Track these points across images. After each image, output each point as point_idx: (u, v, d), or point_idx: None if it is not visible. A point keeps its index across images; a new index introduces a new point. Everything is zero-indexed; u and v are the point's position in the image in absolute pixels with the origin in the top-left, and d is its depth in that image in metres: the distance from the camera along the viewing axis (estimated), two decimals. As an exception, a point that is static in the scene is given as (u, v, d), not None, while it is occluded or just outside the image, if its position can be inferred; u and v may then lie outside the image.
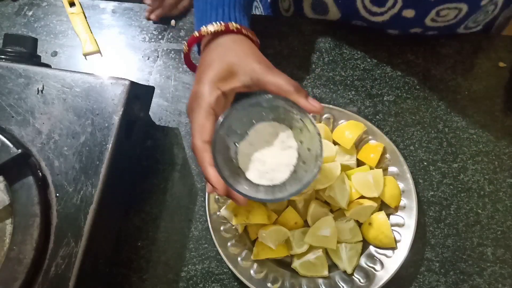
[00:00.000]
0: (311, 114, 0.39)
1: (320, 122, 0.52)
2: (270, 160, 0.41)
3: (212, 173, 0.36)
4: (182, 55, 0.46)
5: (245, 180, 0.40)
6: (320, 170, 0.37)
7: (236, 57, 0.40)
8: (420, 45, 0.58)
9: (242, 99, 0.38)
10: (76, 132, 0.43)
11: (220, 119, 0.38)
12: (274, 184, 0.40)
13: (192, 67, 0.48)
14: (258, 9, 0.75)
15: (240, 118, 0.40)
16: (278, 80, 0.38)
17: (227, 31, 0.42)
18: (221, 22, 0.42)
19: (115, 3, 0.62)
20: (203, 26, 0.43)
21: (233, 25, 0.42)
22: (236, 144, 0.41)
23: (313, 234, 0.46)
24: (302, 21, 0.60)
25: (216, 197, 0.49)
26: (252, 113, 0.41)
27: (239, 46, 0.41)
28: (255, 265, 0.47)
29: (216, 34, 0.42)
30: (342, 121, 0.51)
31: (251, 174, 0.40)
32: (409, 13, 0.53)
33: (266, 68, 0.39)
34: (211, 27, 0.42)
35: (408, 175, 0.48)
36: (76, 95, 0.44)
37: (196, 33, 0.43)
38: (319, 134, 0.38)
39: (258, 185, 0.40)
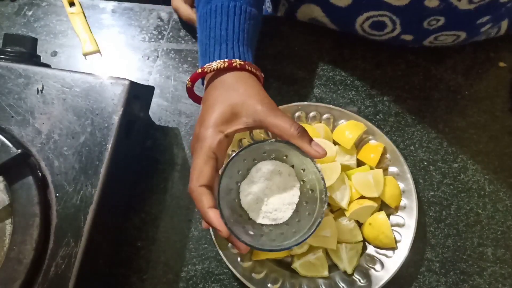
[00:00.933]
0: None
1: (320, 122, 0.52)
2: (272, 199, 0.41)
3: (212, 215, 0.36)
4: (186, 89, 0.45)
5: (248, 219, 0.41)
6: (323, 217, 0.38)
7: (239, 98, 0.39)
8: (420, 45, 0.57)
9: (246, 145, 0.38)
10: (76, 132, 0.43)
11: (223, 168, 0.38)
12: (277, 223, 0.41)
13: (196, 100, 0.47)
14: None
15: (242, 159, 0.40)
16: (281, 124, 0.38)
17: (230, 68, 0.41)
18: (225, 59, 0.41)
19: (115, 3, 0.62)
20: (207, 63, 0.42)
21: (236, 61, 0.41)
22: (238, 184, 0.41)
23: (313, 234, 0.46)
24: (302, 21, 0.60)
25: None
26: (253, 153, 0.41)
27: (243, 86, 0.40)
28: (255, 265, 0.47)
29: (219, 71, 0.42)
30: (342, 121, 0.51)
31: (254, 214, 0.41)
32: (407, 37, 0.53)
33: (269, 109, 0.39)
34: (214, 64, 0.41)
35: (408, 175, 0.48)
36: (76, 95, 0.44)
37: (199, 70, 0.42)
38: (323, 179, 0.38)
39: (261, 224, 0.41)
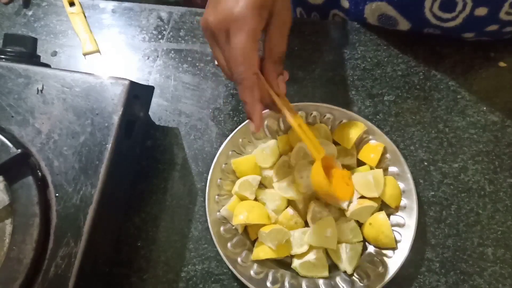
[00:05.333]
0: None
1: (320, 122, 0.52)
2: None
3: (259, 109, 0.35)
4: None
5: None
6: None
7: None
8: (420, 45, 0.58)
9: None
10: (76, 132, 0.43)
11: None
12: None
13: None
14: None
15: None
16: (274, 42, 0.37)
17: None
18: None
19: (115, 3, 0.62)
20: None
21: None
22: None
23: (313, 234, 0.46)
24: (302, 21, 0.60)
25: (216, 197, 0.49)
26: None
27: None
28: (255, 265, 0.47)
29: None
30: (342, 121, 0.51)
31: None
32: (481, 11, 0.51)
33: (281, 21, 0.38)
34: None
35: (409, 175, 0.48)
36: (76, 95, 0.44)
37: None
38: None
39: None
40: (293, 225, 0.47)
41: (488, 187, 0.51)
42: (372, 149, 0.50)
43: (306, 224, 0.48)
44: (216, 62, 0.55)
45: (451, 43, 0.57)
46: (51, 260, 0.40)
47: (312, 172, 0.44)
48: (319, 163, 0.44)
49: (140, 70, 0.58)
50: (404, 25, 0.56)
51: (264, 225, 0.46)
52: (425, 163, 0.52)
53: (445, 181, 0.52)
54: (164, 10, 0.62)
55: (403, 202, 0.48)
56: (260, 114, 0.35)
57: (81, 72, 0.45)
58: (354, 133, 0.49)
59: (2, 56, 0.47)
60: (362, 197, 0.48)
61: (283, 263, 0.48)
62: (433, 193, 0.51)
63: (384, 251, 0.47)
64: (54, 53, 0.59)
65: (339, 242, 0.47)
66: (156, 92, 0.56)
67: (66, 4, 0.61)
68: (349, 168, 0.50)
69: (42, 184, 0.41)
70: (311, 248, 0.47)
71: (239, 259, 0.46)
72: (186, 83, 0.57)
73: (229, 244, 0.47)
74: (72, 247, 0.40)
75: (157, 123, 0.55)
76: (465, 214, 0.50)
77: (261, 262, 0.47)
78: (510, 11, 0.51)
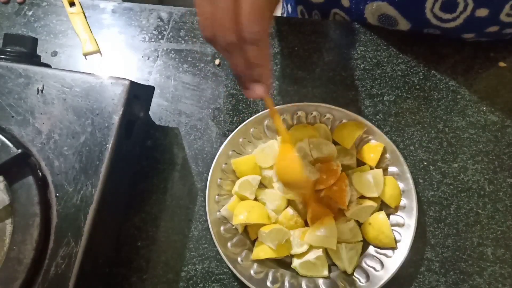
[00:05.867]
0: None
1: (320, 122, 0.52)
2: None
3: (271, 69, 0.35)
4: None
5: None
6: None
7: None
8: (420, 45, 0.58)
9: None
10: (76, 132, 0.43)
11: None
12: None
13: None
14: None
15: None
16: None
17: None
18: None
19: (115, 3, 0.62)
20: None
21: None
22: None
23: (313, 234, 0.46)
24: (302, 21, 0.61)
25: (216, 197, 0.49)
26: None
27: None
28: (255, 265, 0.47)
29: None
30: (342, 121, 0.51)
31: None
32: (482, 12, 0.51)
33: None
34: None
35: (408, 175, 0.48)
36: (76, 95, 0.44)
37: None
38: None
39: None
40: (293, 225, 0.47)
41: (487, 187, 0.51)
42: (372, 149, 0.50)
43: (306, 224, 0.48)
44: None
45: (451, 43, 0.57)
46: (52, 260, 0.40)
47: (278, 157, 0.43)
48: (285, 146, 0.42)
49: (140, 70, 0.58)
50: (404, 25, 0.56)
51: (264, 225, 0.46)
52: (425, 163, 0.52)
53: (445, 181, 0.52)
54: (164, 10, 0.62)
55: (403, 202, 0.48)
56: (270, 77, 0.35)
57: (81, 72, 0.45)
58: (354, 133, 0.49)
59: (2, 56, 0.47)
60: (362, 197, 0.48)
61: (283, 263, 0.48)
62: (432, 193, 0.51)
63: (384, 251, 0.47)
64: (54, 53, 0.59)
65: (339, 242, 0.47)
66: (156, 92, 0.56)
67: (66, 4, 0.61)
68: (349, 168, 0.50)
69: (42, 184, 0.41)
70: (311, 248, 0.47)
71: (239, 259, 0.46)
72: (186, 83, 0.57)
73: (229, 244, 0.47)
74: (73, 247, 0.40)
75: (157, 123, 0.55)
76: (464, 214, 0.50)
77: (261, 262, 0.47)
78: (510, 13, 0.51)
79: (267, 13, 0.34)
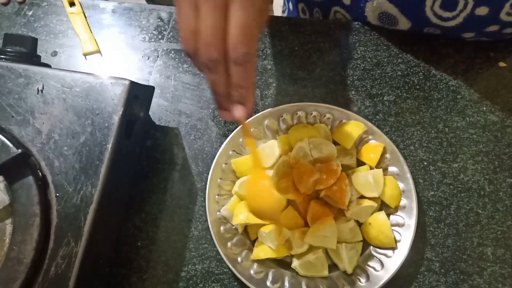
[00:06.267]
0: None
1: (320, 122, 0.52)
2: None
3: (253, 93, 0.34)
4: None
5: None
6: None
7: None
8: (420, 45, 0.58)
9: None
10: (76, 132, 0.43)
11: None
12: None
13: None
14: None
15: None
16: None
17: None
18: None
19: (115, 3, 0.62)
20: None
21: None
22: None
23: (313, 234, 0.46)
24: (302, 21, 0.60)
25: (216, 197, 0.49)
26: None
27: None
28: (255, 265, 0.47)
29: None
30: (342, 121, 0.51)
31: None
32: (482, 10, 0.51)
33: None
34: None
35: (408, 175, 0.48)
36: (76, 95, 0.44)
37: None
38: None
39: None
40: (293, 225, 0.47)
41: (487, 187, 0.51)
42: (372, 149, 0.50)
43: (306, 224, 0.48)
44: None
45: (451, 43, 0.57)
46: (52, 260, 0.40)
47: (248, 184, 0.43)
48: (257, 175, 0.41)
49: (140, 70, 0.58)
50: (404, 24, 0.56)
51: (264, 225, 0.46)
52: (425, 163, 0.52)
53: (445, 181, 0.52)
54: (164, 10, 0.62)
55: (403, 202, 0.48)
56: (253, 99, 0.34)
57: (81, 72, 0.45)
58: (354, 133, 0.49)
59: (2, 56, 0.47)
60: (362, 197, 0.48)
61: (283, 263, 0.48)
62: (432, 193, 0.51)
63: (384, 251, 0.47)
64: (54, 53, 0.59)
65: (339, 242, 0.47)
66: (156, 92, 0.56)
67: (66, 4, 0.61)
68: (349, 168, 0.50)
69: (42, 184, 0.41)
70: (311, 248, 0.47)
71: (239, 259, 0.46)
72: (186, 83, 0.57)
73: (229, 244, 0.47)
74: (73, 247, 0.40)
75: (157, 123, 0.55)
76: (464, 214, 0.50)
77: (261, 262, 0.47)
78: (510, 12, 0.51)
79: (256, 33, 0.32)
